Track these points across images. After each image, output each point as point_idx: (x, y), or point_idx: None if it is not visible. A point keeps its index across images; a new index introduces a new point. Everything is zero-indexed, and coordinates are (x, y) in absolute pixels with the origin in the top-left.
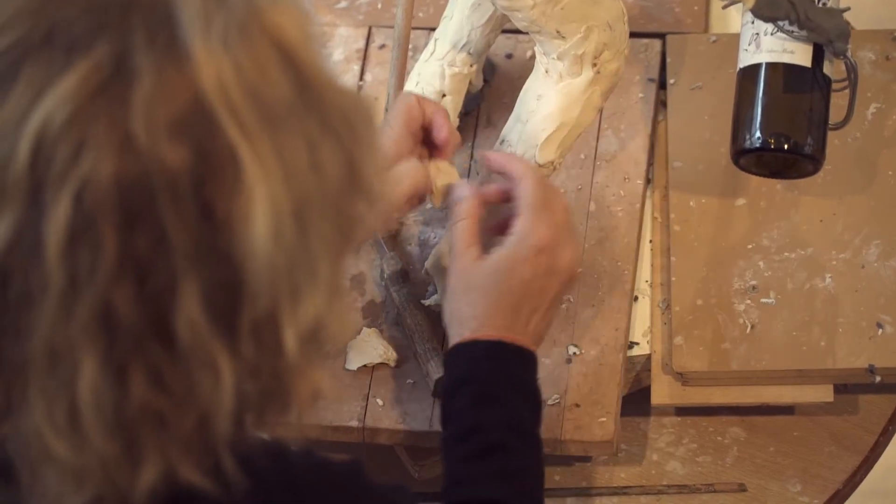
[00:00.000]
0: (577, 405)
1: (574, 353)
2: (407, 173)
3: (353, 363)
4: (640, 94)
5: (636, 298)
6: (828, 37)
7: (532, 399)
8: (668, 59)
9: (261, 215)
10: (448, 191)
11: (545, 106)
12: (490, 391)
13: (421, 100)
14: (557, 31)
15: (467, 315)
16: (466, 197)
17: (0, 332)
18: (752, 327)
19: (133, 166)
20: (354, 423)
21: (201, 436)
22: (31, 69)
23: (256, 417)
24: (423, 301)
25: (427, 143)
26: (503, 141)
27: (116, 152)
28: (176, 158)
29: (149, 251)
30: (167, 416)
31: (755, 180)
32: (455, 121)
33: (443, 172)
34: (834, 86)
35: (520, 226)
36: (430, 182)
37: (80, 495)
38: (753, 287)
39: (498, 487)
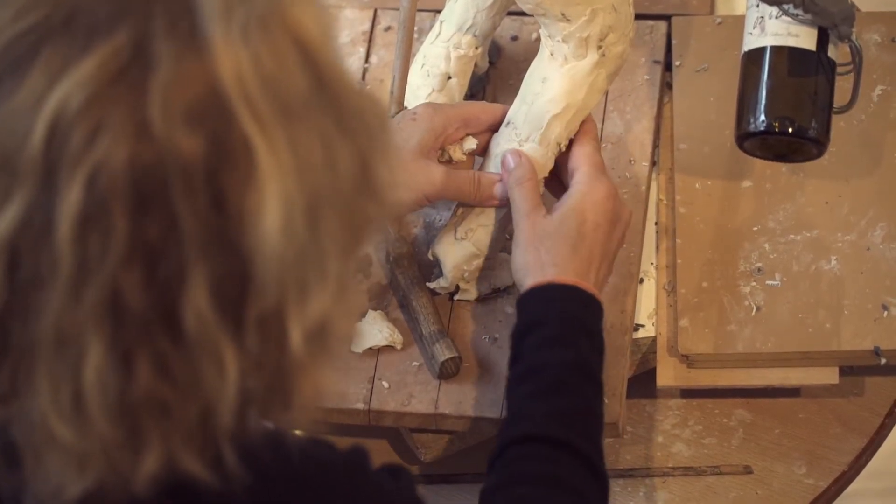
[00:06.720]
0: None
1: None
2: (423, 179)
3: (359, 346)
4: (646, 77)
5: (641, 281)
6: (833, 20)
7: (599, 346)
8: (674, 41)
9: (272, 208)
10: (502, 159)
11: (550, 88)
12: (560, 333)
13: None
14: (562, 14)
15: (546, 262)
16: (521, 161)
17: (8, 314)
18: (758, 309)
19: (148, 152)
20: (360, 406)
21: (204, 426)
22: (50, 52)
23: (259, 412)
24: (428, 284)
25: None
26: (508, 123)
27: (132, 138)
28: (191, 147)
29: (159, 238)
30: (171, 405)
31: (761, 162)
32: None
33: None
34: (839, 69)
35: (584, 175)
36: (442, 186)
37: (82, 481)
38: (759, 269)
39: (559, 426)
